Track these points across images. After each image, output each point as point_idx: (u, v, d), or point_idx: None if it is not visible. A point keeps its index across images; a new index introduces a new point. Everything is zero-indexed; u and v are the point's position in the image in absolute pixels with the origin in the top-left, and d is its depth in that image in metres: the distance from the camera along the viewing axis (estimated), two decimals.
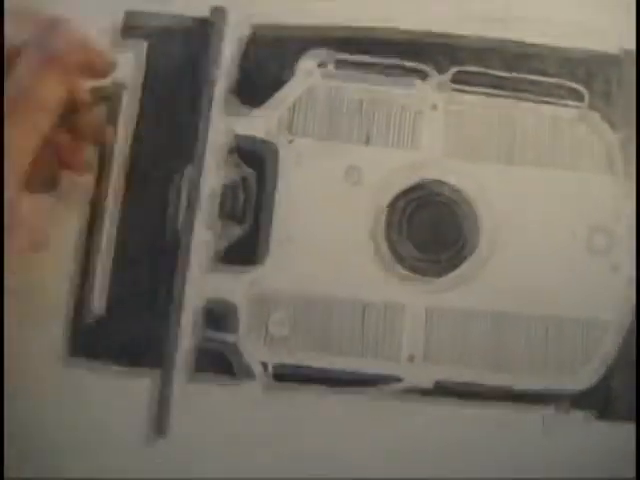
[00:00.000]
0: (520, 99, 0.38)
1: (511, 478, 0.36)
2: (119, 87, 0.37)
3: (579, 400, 0.36)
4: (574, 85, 0.38)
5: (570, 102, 0.38)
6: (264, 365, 0.36)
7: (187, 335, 0.36)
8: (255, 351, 0.36)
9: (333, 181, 0.37)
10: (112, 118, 0.37)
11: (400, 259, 0.36)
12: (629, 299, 0.37)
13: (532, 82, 0.38)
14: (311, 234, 0.36)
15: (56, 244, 0.36)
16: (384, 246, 0.36)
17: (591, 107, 0.38)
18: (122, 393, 0.36)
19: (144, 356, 0.36)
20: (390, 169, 0.37)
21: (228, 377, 0.36)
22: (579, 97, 0.38)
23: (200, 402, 0.36)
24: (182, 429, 0.35)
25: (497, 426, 0.36)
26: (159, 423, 0.35)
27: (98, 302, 0.36)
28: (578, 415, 0.36)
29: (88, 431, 0.36)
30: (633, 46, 0.38)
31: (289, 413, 0.36)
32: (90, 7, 0.38)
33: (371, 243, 0.36)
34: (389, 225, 0.37)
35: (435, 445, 0.36)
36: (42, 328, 0.36)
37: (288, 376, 0.36)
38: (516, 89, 0.38)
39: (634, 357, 0.36)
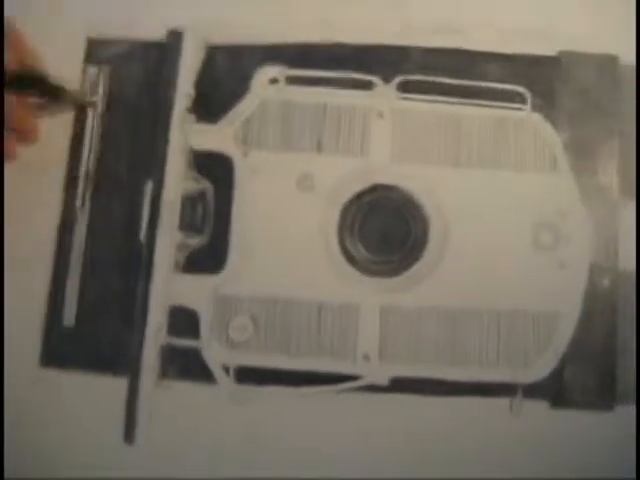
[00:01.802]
0: (465, 104, 0.39)
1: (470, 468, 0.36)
2: (85, 107, 0.39)
3: (533, 391, 0.37)
4: (517, 88, 0.39)
5: (514, 105, 0.39)
6: (226, 369, 0.37)
7: (151, 342, 0.37)
8: (217, 355, 0.37)
9: (287, 189, 0.38)
10: (78, 137, 0.39)
11: (353, 261, 0.38)
12: (577, 293, 0.38)
13: (476, 87, 0.39)
14: (267, 241, 0.38)
15: (26, 260, 0.38)
16: (337, 249, 0.38)
17: (534, 109, 0.39)
18: (93, 401, 0.37)
19: (112, 364, 0.37)
20: (341, 175, 0.39)
21: (192, 382, 0.37)
22: (522, 100, 0.39)
23: (166, 407, 0.37)
24: (149, 434, 0.37)
25: (454, 419, 0.37)
26: (127, 429, 0.37)
27: (68, 313, 0.38)
28: (532, 406, 0.37)
29: (61, 438, 0.37)
30: (571, 47, 0.40)
31: (252, 414, 0.37)
32: (55, 34, 0.40)
33: (325, 247, 0.38)
34: (341, 229, 0.38)
35: (393, 440, 0.37)
36: (15, 341, 0.37)
37: (250, 379, 0.37)
38: (460, 95, 0.39)
39: (586, 348, 0.37)
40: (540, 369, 0.37)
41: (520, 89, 0.39)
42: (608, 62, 0.40)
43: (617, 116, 0.39)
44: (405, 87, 0.39)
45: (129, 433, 0.37)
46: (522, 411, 0.37)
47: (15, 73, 0.35)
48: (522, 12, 0.40)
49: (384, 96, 0.39)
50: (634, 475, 0.35)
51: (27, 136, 0.36)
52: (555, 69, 0.40)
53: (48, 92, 0.37)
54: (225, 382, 0.37)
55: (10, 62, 0.34)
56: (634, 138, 0.39)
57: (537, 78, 0.40)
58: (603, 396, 0.37)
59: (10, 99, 0.34)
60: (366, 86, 0.40)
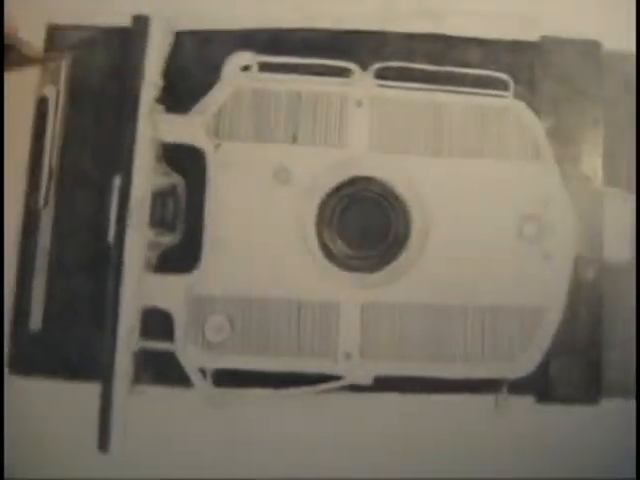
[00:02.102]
0: (446, 91, 0.38)
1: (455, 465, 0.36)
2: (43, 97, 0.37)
3: (518, 387, 0.36)
4: (499, 75, 0.38)
5: (495, 92, 0.38)
6: (203, 372, 0.36)
7: (124, 346, 0.36)
8: (193, 358, 0.36)
9: (262, 182, 0.37)
10: (38, 132, 0.37)
11: (332, 257, 0.37)
12: (562, 285, 0.37)
13: (457, 74, 0.38)
14: (243, 237, 0.37)
15: None
16: (315, 245, 0.36)
17: (517, 96, 0.38)
18: (64, 408, 0.36)
19: (82, 369, 0.36)
20: (319, 167, 0.37)
21: (168, 386, 0.36)
22: (504, 86, 0.38)
23: (141, 413, 0.35)
24: (124, 442, 0.35)
25: (438, 416, 0.36)
26: (101, 437, 0.35)
27: (34, 317, 0.36)
28: (518, 401, 0.36)
29: (32, 448, 0.35)
30: (554, 33, 0.38)
31: (231, 417, 0.36)
32: (15, 19, 0.37)
33: (303, 242, 0.36)
34: (320, 224, 0.37)
35: (377, 439, 0.36)
36: None
37: (228, 381, 0.36)
38: (441, 82, 0.38)
39: (570, 342, 0.37)
40: (525, 364, 0.36)
41: (502, 76, 0.38)
42: (591, 48, 0.39)
43: (601, 103, 0.38)
44: (383, 74, 0.38)
45: (103, 441, 0.35)
46: (508, 407, 0.36)
47: None
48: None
49: (362, 84, 0.38)
50: (634, 475, 0.35)
51: None
52: (537, 55, 0.38)
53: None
54: (202, 385, 0.36)
55: None
56: (619, 125, 0.38)
57: (519, 64, 0.38)
58: (589, 390, 0.36)
59: None
60: (343, 73, 0.38)
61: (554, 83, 0.38)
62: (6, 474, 0.35)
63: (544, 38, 0.39)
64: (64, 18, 0.38)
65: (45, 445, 0.35)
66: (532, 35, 0.39)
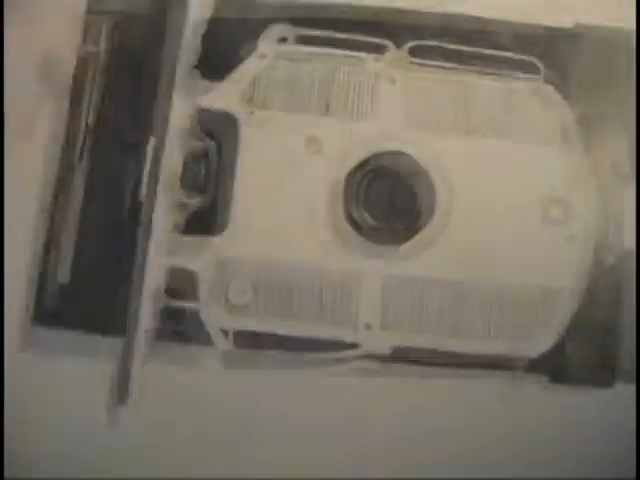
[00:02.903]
0: (477, 72, 0.39)
1: (468, 443, 0.36)
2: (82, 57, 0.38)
3: (534, 365, 0.37)
4: (530, 59, 0.39)
5: (526, 75, 0.39)
6: (224, 332, 0.36)
7: (149, 303, 0.36)
8: (216, 318, 0.36)
9: (293, 151, 0.37)
10: (78, 90, 0.38)
11: (357, 228, 0.37)
12: (584, 266, 0.37)
13: (488, 56, 0.39)
14: (271, 203, 0.37)
15: (18, 214, 0.37)
16: (342, 215, 0.37)
17: (546, 80, 0.39)
18: (85, 360, 0.36)
19: (107, 324, 0.36)
20: (349, 140, 0.38)
21: (189, 345, 0.36)
22: (534, 70, 0.39)
23: (161, 369, 0.36)
24: (143, 395, 0.36)
25: (454, 391, 0.36)
26: (120, 389, 0.36)
27: (62, 271, 0.37)
28: (533, 379, 0.37)
29: (52, 398, 0.36)
30: (588, 20, 0.39)
31: (249, 379, 0.36)
32: None
33: (330, 212, 0.37)
34: (347, 195, 0.37)
35: (392, 410, 0.36)
36: (7, 297, 0.36)
37: (249, 342, 0.36)
38: (472, 63, 0.39)
39: (588, 325, 0.37)
40: (541, 343, 0.37)
41: (533, 59, 0.39)
42: (623, 36, 0.39)
43: (631, 91, 0.39)
44: (417, 52, 0.38)
45: (122, 393, 0.36)
46: (522, 384, 0.36)
47: None
48: None
49: (396, 60, 0.38)
50: (634, 475, 0.35)
51: None
52: (570, 41, 0.39)
53: None
54: (224, 345, 0.36)
55: None
56: None
57: (551, 49, 0.39)
58: (604, 372, 0.37)
59: None
60: (378, 50, 0.39)
61: (585, 70, 0.39)
62: (26, 427, 0.36)
63: (578, 25, 0.39)
64: None
65: (66, 396, 0.36)
66: (565, 21, 0.39)
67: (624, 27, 0.39)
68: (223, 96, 0.38)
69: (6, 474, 0.34)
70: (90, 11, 0.39)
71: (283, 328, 0.36)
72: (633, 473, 0.35)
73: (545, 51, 0.39)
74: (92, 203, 0.37)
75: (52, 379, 0.36)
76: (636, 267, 0.37)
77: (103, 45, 0.38)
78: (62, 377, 0.36)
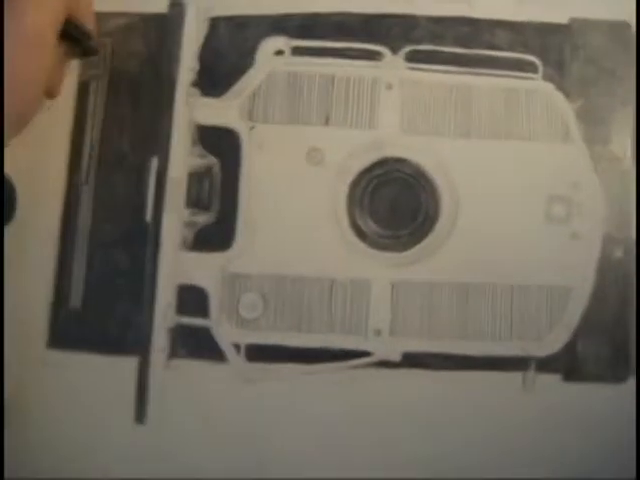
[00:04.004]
0: (475, 74, 0.39)
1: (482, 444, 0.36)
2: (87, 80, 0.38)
3: (546, 364, 0.37)
4: (528, 57, 0.39)
5: (524, 74, 0.39)
6: (237, 347, 0.37)
7: (161, 322, 0.37)
8: (227, 334, 0.37)
9: (295, 163, 0.38)
10: (80, 113, 0.38)
11: (363, 236, 0.37)
12: (590, 265, 0.37)
13: (485, 57, 0.39)
14: (276, 216, 0.38)
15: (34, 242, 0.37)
16: (346, 224, 0.37)
17: (545, 78, 0.39)
18: (102, 381, 0.37)
19: (121, 344, 0.37)
20: (350, 148, 0.38)
21: (203, 360, 0.37)
22: (533, 69, 0.39)
23: (177, 386, 0.37)
24: (161, 414, 0.36)
25: (467, 393, 0.37)
26: (138, 409, 0.36)
27: (75, 295, 0.37)
28: (545, 379, 0.37)
29: (70, 419, 0.37)
30: (583, 14, 0.39)
31: (263, 392, 0.37)
32: None
33: (334, 222, 0.37)
34: (351, 203, 0.38)
35: (406, 414, 0.36)
36: (23, 322, 0.37)
37: (261, 356, 0.37)
38: (470, 65, 0.39)
39: (598, 322, 0.37)
40: (553, 342, 0.37)
41: (531, 58, 0.39)
42: (620, 29, 0.39)
43: (630, 83, 0.38)
44: (413, 57, 0.39)
45: (140, 413, 0.36)
46: (535, 385, 0.37)
47: (69, 24, 0.34)
48: None
49: (392, 67, 0.38)
50: (634, 475, 0.35)
51: (53, 90, 0.37)
52: (566, 37, 0.39)
53: (86, 51, 0.36)
54: (236, 360, 0.37)
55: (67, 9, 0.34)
56: None
57: (548, 46, 0.39)
58: (616, 368, 0.37)
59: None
60: (374, 57, 0.39)
61: (583, 64, 0.39)
62: (48, 442, 0.36)
63: (573, 20, 0.39)
64: (103, 5, 0.39)
65: (84, 417, 0.37)
66: (561, 17, 0.39)
67: (620, 19, 0.39)
68: (223, 112, 0.38)
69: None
70: None
71: (294, 340, 0.37)
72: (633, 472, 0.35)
73: (543, 48, 0.39)
74: (100, 225, 0.38)
75: (71, 399, 0.37)
76: (636, 267, 0.37)
77: (103, 67, 0.39)
78: (80, 396, 0.37)
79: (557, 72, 0.39)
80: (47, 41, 0.32)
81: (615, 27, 0.39)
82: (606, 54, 0.39)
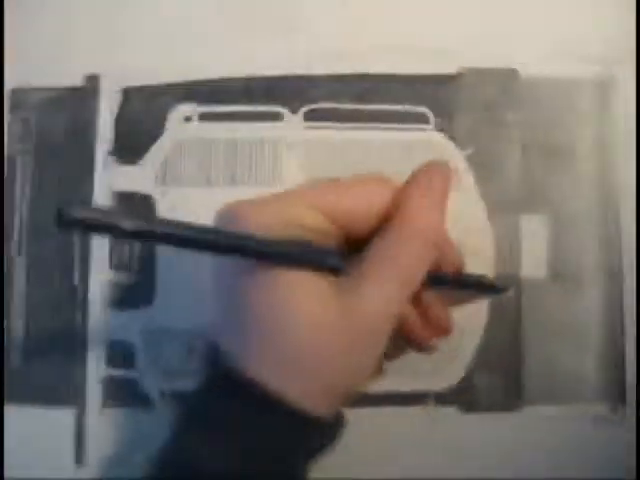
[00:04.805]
0: (371, 129, 0.41)
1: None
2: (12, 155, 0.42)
3: (444, 398, 0.40)
4: (419, 109, 0.41)
5: (417, 126, 0.41)
6: (162, 394, 0.41)
7: (93, 375, 0.41)
8: (153, 382, 0.41)
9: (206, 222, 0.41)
10: (10, 186, 0.42)
11: None
12: (482, 304, 0.40)
13: (382, 111, 0.41)
14: (191, 273, 0.41)
15: None
16: None
17: (437, 128, 0.41)
18: (45, 429, 0.41)
19: (58, 397, 0.41)
20: None
21: (132, 408, 0.41)
22: (425, 120, 0.41)
23: (111, 433, 0.41)
24: (98, 454, 0.40)
25: (368, 426, 0.40)
26: (77, 454, 0.41)
27: (14, 354, 0.41)
28: (445, 411, 0.40)
29: (23, 462, 0.41)
30: (472, 64, 0.41)
31: None
32: None
33: None
34: None
35: None
36: None
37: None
38: (366, 120, 0.41)
39: (492, 355, 0.40)
40: (450, 377, 0.40)
41: (423, 109, 0.41)
42: (508, 76, 0.41)
43: (519, 128, 0.41)
44: (312, 116, 0.41)
45: (79, 456, 0.40)
46: (435, 418, 0.40)
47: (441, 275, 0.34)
48: (421, 31, 0.41)
49: (292, 126, 0.41)
50: (634, 476, 0.38)
51: (443, 331, 0.35)
52: (456, 87, 0.41)
53: (467, 286, 0.36)
54: (162, 407, 0.40)
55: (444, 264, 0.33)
56: (537, 149, 0.41)
57: (439, 97, 0.41)
58: (510, 399, 0.40)
59: (430, 295, 0.34)
60: (275, 117, 0.41)
61: (473, 112, 0.41)
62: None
63: (462, 69, 0.41)
64: (23, 81, 0.42)
65: (32, 459, 0.41)
66: (450, 67, 0.41)
67: (509, 67, 0.41)
68: (138, 179, 0.41)
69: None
70: (14, 110, 0.42)
71: None
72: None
73: (434, 99, 0.41)
74: (35, 291, 0.41)
75: (22, 446, 0.41)
76: (636, 274, 0.40)
77: (29, 142, 0.42)
78: (29, 443, 0.41)
79: (448, 122, 0.41)
80: (383, 333, 0.30)
81: (504, 74, 0.41)
82: (495, 101, 0.41)
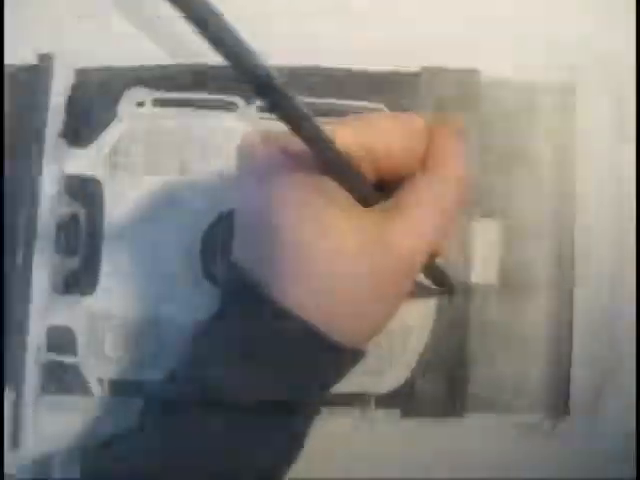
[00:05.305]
0: (327, 123, 0.40)
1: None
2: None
3: (385, 401, 0.39)
4: (376, 105, 0.40)
5: None
6: (100, 382, 0.40)
7: (33, 359, 0.40)
8: (92, 370, 0.40)
9: (154, 212, 0.40)
10: None
11: (215, 282, 0.40)
12: (430, 306, 0.39)
13: (338, 106, 0.40)
14: (137, 261, 0.40)
15: None
16: (199, 270, 0.40)
17: None
18: None
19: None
20: (206, 197, 0.40)
21: (71, 394, 0.40)
22: None
23: (48, 418, 0.40)
24: (34, 440, 0.40)
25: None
26: (13, 438, 0.40)
27: None
28: (385, 414, 0.39)
29: None
30: (432, 63, 0.40)
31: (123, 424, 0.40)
32: None
33: (192, 266, 0.40)
34: (204, 251, 0.40)
35: None
36: None
37: (122, 390, 0.40)
38: (321, 114, 0.40)
39: (437, 360, 0.39)
40: (392, 380, 0.39)
41: (379, 106, 0.40)
42: (470, 76, 0.40)
43: (476, 130, 0.40)
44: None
45: (15, 439, 0.40)
46: (375, 420, 0.39)
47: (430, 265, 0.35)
48: (386, 27, 0.40)
49: (246, 117, 0.40)
50: (634, 476, 0.37)
51: None
52: (415, 85, 0.40)
53: (441, 285, 0.38)
54: (100, 394, 0.40)
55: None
56: (494, 152, 0.40)
57: (397, 94, 0.40)
58: (454, 404, 0.39)
59: None
60: (230, 107, 0.40)
61: (431, 112, 0.40)
62: None
63: (424, 68, 0.40)
64: None
65: None
66: (412, 65, 0.40)
67: (471, 67, 0.40)
68: (88, 162, 0.41)
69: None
70: None
71: (152, 376, 0.40)
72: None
73: (392, 97, 0.40)
74: None
75: None
76: (636, 273, 0.39)
77: None
78: None
79: None
80: (414, 270, 0.31)
81: (465, 74, 0.40)
82: (454, 101, 0.40)
